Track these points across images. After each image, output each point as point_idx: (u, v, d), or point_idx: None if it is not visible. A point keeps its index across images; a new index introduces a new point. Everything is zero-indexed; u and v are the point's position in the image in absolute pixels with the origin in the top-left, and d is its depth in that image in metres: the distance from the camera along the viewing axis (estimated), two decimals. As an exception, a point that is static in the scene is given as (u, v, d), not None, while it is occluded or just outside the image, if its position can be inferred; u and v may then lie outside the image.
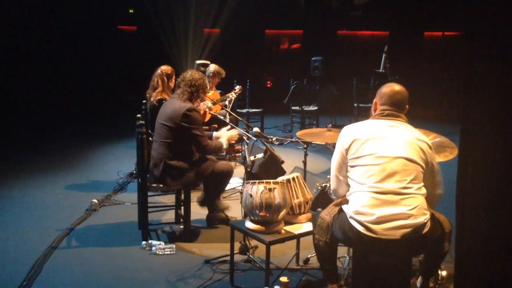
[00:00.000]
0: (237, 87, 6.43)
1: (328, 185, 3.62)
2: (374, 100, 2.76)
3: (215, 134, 4.34)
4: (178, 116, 3.83)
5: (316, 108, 8.84)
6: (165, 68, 5.20)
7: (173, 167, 3.89)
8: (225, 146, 4.10)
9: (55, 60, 11.26)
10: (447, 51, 12.65)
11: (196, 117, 3.89)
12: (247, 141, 3.94)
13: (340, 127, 3.05)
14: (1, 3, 9.90)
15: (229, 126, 4.32)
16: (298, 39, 13.84)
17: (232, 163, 6.24)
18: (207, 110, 5.49)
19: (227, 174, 4.07)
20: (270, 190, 2.99)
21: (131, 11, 13.11)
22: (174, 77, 5.23)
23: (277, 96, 10.24)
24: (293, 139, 4.26)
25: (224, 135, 4.21)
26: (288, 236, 3.05)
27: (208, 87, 6.31)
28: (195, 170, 3.95)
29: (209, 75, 6.35)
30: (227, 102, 6.19)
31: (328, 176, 3.41)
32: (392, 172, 2.48)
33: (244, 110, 8.41)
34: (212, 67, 6.43)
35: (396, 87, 2.72)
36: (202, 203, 4.29)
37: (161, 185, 4.01)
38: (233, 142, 4.31)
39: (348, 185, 2.68)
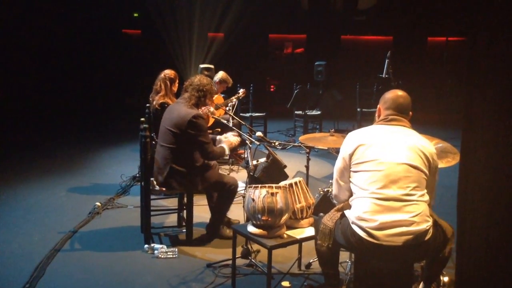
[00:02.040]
0: (241, 91, 6.45)
1: (330, 190, 3.62)
2: (378, 106, 2.77)
3: (218, 137, 4.34)
4: (184, 123, 3.82)
5: (319, 112, 8.85)
6: (168, 72, 5.23)
7: (179, 171, 3.89)
8: (227, 151, 4.08)
9: (60, 63, 11.32)
10: (450, 57, 12.65)
11: (202, 124, 3.88)
12: (250, 146, 3.95)
13: (343, 132, 3.07)
14: (6, 5, 9.96)
15: (235, 132, 4.32)
16: (301, 43, 13.86)
17: (235, 167, 6.27)
18: (209, 114, 5.51)
19: (231, 188, 4.03)
20: (272, 194, 3.00)
21: (135, 15, 13.18)
22: (177, 81, 5.25)
23: (280, 100, 10.28)
24: (296, 144, 4.26)
25: (225, 141, 4.19)
26: (290, 241, 3.06)
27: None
28: (200, 176, 3.95)
29: (216, 81, 6.38)
30: (230, 106, 6.21)
31: (330, 181, 3.42)
32: (395, 179, 2.49)
33: (247, 114, 8.42)
34: (220, 74, 6.46)
35: (400, 92, 2.75)
36: (209, 228, 4.18)
37: (164, 189, 4.02)
38: (235, 146, 4.28)
39: (350, 191, 2.69)
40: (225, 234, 4.11)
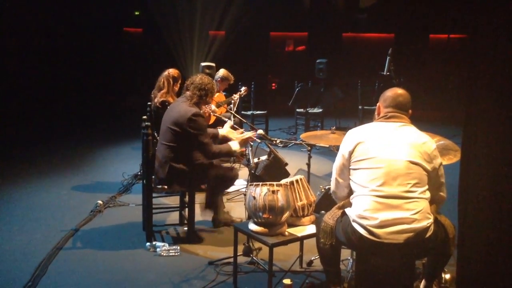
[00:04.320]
0: (243, 89, 6.45)
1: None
2: (378, 104, 2.78)
3: (220, 132, 4.32)
4: (184, 121, 3.82)
5: (320, 110, 8.84)
6: (172, 71, 5.24)
7: (178, 169, 3.90)
8: (237, 150, 3.98)
9: (61, 62, 11.32)
10: (452, 54, 12.62)
11: (202, 123, 3.89)
12: (251, 143, 3.95)
13: (344, 129, 3.07)
14: (7, 4, 9.98)
15: (241, 130, 4.32)
16: (303, 41, 13.84)
17: (237, 165, 6.27)
18: (211, 112, 5.51)
19: (232, 179, 4.06)
20: (273, 192, 3.00)
21: (136, 13, 13.17)
22: (179, 81, 5.26)
23: (282, 98, 10.26)
24: (297, 142, 4.26)
25: (238, 138, 4.10)
26: (292, 239, 3.06)
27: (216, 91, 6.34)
28: (200, 173, 3.96)
29: (217, 80, 6.38)
30: (232, 105, 6.21)
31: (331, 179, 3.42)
32: (395, 176, 2.49)
33: (249, 112, 8.42)
34: (221, 72, 6.45)
35: (399, 90, 2.75)
36: (206, 206, 4.26)
37: (165, 187, 4.03)
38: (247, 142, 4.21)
39: (348, 188, 2.69)
40: (224, 218, 4.18)
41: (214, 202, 4.17)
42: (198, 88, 3.97)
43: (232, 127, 4.35)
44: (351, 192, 2.68)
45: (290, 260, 3.59)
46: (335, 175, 2.78)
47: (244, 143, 4.05)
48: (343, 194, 2.77)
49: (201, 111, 3.99)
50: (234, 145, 4.01)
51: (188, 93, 4.01)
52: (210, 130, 4.18)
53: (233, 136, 4.20)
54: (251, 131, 4.15)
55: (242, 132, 4.24)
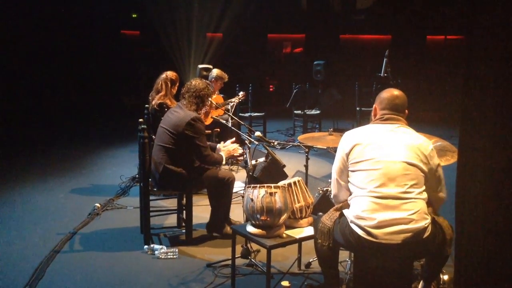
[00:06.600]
0: (241, 93, 6.47)
1: (329, 189, 3.62)
2: (374, 105, 2.78)
3: (218, 146, 4.33)
4: (182, 124, 3.85)
5: (318, 112, 8.85)
6: (170, 74, 5.24)
7: (173, 172, 3.89)
8: (224, 161, 4.08)
9: (58, 64, 11.31)
10: (449, 55, 12.65)
11: (200, 127, 3.91)
12: (249, 145, 3.95)
13: (342, 131, 3.07)
14: (4, 7, 9.97)
15: (233, 139, 4.32)
16: (300, 43, 13.86)
17: (234, 167, 6.27)
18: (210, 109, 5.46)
19: (228, 182, 4.03)
20: (271, 194, 3.00)
21: (134, 15, 13.17)
22: (177, 84, 5.26)
23: (280, 100, 10.27)
24: (295, 143, 4.26)
25: (224, 149, 4.18)
26: (289, 240, 3.06)
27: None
28: (195, 177, 3.95)
29: (211, 80, 6.38)
30: (229, 107, 6.22)
31: (329, 180, 3.42)
32: (392, 177, 2.49)
33: (247, 114, 8.43)
34: (215, 71, 6.47)
35: (395, 91, 2.75)
36: (209, 226, 4.19)
37: (159, 190, 4.02)
38: (236, 155, 4.29)
39: (349, 190, 2.69)
40: (229, 232, 4.11)
41: (216, 212, 4.13)
42: (194, 96, 4.00)
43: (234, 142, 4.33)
44: (351, 194, 2.68)
45: (288, 262, 3.59)
46: (335, 177, 2.77)
47: (228, 155, 4.15)
48: (344, 197, 2.76)
49: (201, 114, 4.02)
50: (223, 155, 4.10)
51: (185, 101, 4.03)
52: (210, 144, 4.20)
53: (221, 147, 4.23)
54: (234, 144, 4.22)
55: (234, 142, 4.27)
